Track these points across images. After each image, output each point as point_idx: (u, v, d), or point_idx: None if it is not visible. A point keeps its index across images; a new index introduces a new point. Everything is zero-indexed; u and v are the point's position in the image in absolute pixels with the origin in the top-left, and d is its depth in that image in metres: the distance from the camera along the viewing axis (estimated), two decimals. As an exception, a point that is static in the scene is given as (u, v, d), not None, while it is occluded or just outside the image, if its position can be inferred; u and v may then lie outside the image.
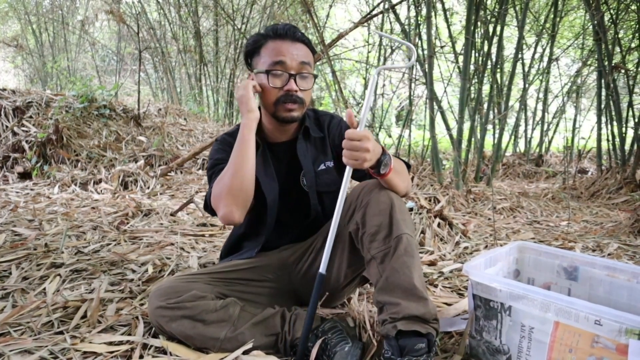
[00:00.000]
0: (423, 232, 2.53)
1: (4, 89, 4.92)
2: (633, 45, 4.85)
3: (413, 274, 1.18)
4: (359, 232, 1.26)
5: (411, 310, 1.15)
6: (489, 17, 4.30)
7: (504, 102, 4.96)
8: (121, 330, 1.39)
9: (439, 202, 3.15)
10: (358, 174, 1.46)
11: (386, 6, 4.50)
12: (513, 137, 6.63)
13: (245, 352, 1.22)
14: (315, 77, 1.40)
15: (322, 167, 1.46)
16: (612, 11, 4.41)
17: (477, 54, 4.44)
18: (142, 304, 1.57)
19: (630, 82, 4.53)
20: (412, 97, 4.85)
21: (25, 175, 4.16)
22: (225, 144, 1.47)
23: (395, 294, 1.17)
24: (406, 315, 1.14)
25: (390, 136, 5.64)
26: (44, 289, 1.70)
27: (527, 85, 5.67)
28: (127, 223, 2.71)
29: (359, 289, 1.76)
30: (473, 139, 4.25)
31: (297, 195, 1.47)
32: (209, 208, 1.43)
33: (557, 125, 6.77)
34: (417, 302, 1.16)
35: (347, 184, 1.17)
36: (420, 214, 2.68)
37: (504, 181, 5.65)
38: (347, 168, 1.16)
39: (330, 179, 1.47)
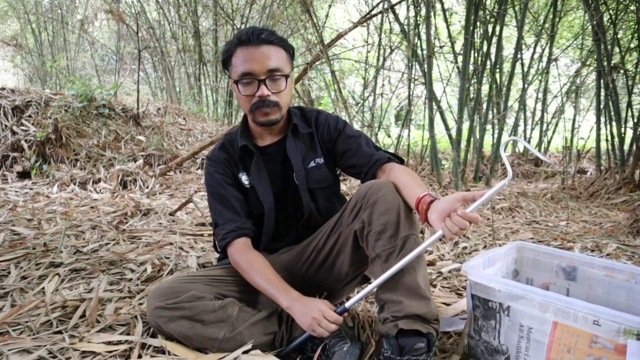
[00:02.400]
0: (422, 232, 2.53)
1: (3, 88, 4.90)
2: (632, 45, 4.85)
3: (418, 273, 1.18)
4: (364, 231, 1.25)
5: (413, 308, 1.15)
6: (488, 17, 4.31)
7: (503, 102, 4.96)
8: (120, 329, 1.39)
9: (438, 202, 3.14)
10: (354, 170, 1.44)
11: (385, 6, 4.50)
12: (511, 136, 6.63)
13: (245, 352, 1.22)
14: (287, 76, 1.37)
15: (312, 164, 1.46)
16: (611, 11, 4.42)
17: (476, 54, 4.44)
18: (140, 304, 1.57)
19: (630, 83, 4.53)
20: (411, 97, 4.85)
21: (24, 175, 4.16)
22: (219, 164, 1.46)
23: (398, 292, 1.17)
24: (408, 313, 1.15)
25: (389, 136, 5.63)
26: (43, 288, 1.70)
27: (526, 86, 5.68)
28: (126, 222, 2.71)
29: (357, 289, 1.76)
30: (472, 139, 4.26)
31: (292, 194, 1.47)
32: (218, 248, 1.47)
33: (556, 125, 6.77)
34: (419, 301, 1.16)
35: (431, 243, 1.15)
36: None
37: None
38: (439, 232, 1.11)
39: (321, 175, 1.47)
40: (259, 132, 1.47)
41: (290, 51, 1.40)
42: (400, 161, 1.41)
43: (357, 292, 1.73)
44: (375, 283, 1.18)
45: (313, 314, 1.19)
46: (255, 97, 1.33)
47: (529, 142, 6.96)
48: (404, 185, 1.25)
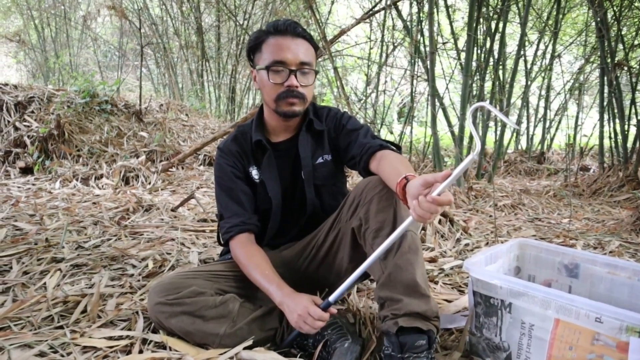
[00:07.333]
0: (424, 228, 2.53)
1: (6, 84, 4.91)
2: (636, 42, 4.83)
3: (416, 271, 1.18)
4: (361, 228, 1.25)
5: (413, 307, 1.14)
6: (491, 14, 4.29)
7: (506, 99, 4.94)
8: (121, 325, 1.39)
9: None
10: (352, 162, 1.42)
11: (388, 2, 4.49)
12: (515, 134, 6.61)
13: (245, 348, 1.22)
14: (317, 72, 1.39)
15: (320, 160, 1.46)
16: (615, 8, 4.39)
17: (479, 51, 4.43)
18: (142, 299, 1.57)
19: (633, 80, 4.51)
20: (413, 94, 4.84)
21: (26, 170, 4.17)
22: (230, 156, 1.45)
23: (398, 290, 1.17)
24: (408, 311, 1.14)
25: (392, 133, 5.63)
26: (45, 283, 1.70)
27: (529, 83, 5.66)
28: (128, 218, 2.72)
29: (358, 285, 1.76)
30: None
31: (299, 190, 1.47)
32: (221, 240, 1.47)
33: (559, 122, 6.75)
34: (419, 299, 1.16)
35: (402, 232, 1.11)
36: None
37: (505, 178, 5.64)
38: (409, 219, 1.08)
39: (327, 172, 1.47)
40: (274, 126, 1.46)
41: (317, 51, 1.42)
42: (397, 148, 1.38)
43: (357, 290, 1.75)
44: (355, 273, 1.16)
45: (298, 312, 1.19)
46: (284, 87, 1.33)
47: (531, 139, 6.94)
48: (392, 172, 1.20)
